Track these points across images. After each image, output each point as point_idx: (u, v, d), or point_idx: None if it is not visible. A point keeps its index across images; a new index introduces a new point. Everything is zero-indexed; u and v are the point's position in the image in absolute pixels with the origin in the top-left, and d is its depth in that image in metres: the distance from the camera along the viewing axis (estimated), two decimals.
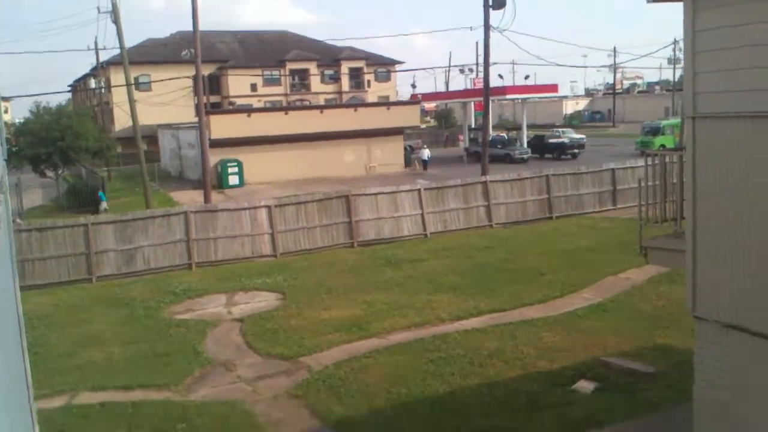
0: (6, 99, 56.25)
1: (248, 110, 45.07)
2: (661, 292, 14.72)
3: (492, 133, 45.52)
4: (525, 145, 47.90)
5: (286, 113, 42.72)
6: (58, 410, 10.32)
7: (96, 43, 47.36)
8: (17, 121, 50.33)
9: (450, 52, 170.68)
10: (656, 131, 45.13)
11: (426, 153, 44.53)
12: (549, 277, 16.71)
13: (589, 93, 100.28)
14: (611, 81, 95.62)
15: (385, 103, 52.28)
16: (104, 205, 31.63)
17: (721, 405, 6.48)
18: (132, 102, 30.52)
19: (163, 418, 9.98)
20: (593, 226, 23.17)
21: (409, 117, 45.65)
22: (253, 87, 63.43)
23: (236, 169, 38.64)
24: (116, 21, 30.37)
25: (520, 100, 55.45)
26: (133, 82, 33.09)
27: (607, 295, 14.94)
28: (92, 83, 65.17)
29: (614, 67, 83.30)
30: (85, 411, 10.41)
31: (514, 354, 11.70)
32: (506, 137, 50.71)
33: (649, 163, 10.79)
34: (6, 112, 74.15)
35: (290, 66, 65.16)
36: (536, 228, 23.44)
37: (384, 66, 71.23)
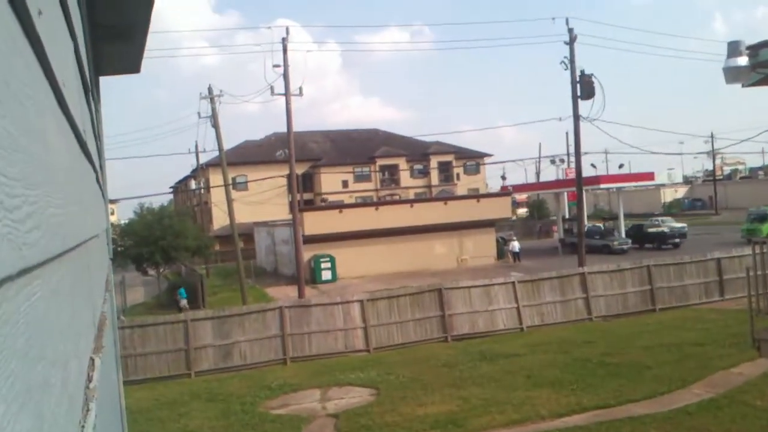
0: (113, 201, 60.05)
1: (340, 206, 46.32)
2: None
3: (587, 223, 44.83)
4: (623, 235, 46.73)
5: (377, 208, 43.60)
6: None
7: (196, 146, 50.46)
8: (122, 221, 53.48)
9: (540, 143, 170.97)
10: (763, 218, 43.21)
11: (516, 245, 43.99)
12: (655, 371, 15.91)
13: (687, 180, 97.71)
14: (710, 167, 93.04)
15: (474, 195, 52.61)
16: (184, 302, 32.44)
17: None
18: (229, 201, 32.03)
19: None
20: (700, 318, 22.08)
21: (500, 209, 45.65)
22: (345, 183, 65.31)
23: (329, 264, 39.35)
24: (215, 125, 32.40)
25: (615, 189, 54.55)
26: (230, 182, 34.82)
27: (720, 391, 14.04)
28: (192, 184, 68.85)
29: (713, 153, 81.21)
30: None
31: None
32: (602, 227, 49.77)
33: (758, 251, 10.39)
34: (113, 213, 78.99)
35: (380, 162, 66.92)
36: (638, 321, 22.55)
37: (473, 159, 72.08)
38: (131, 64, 3.90)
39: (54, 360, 1.13)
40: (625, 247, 43.43)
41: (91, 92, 3.06)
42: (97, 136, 3.44)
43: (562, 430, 12.51)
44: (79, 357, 1.61)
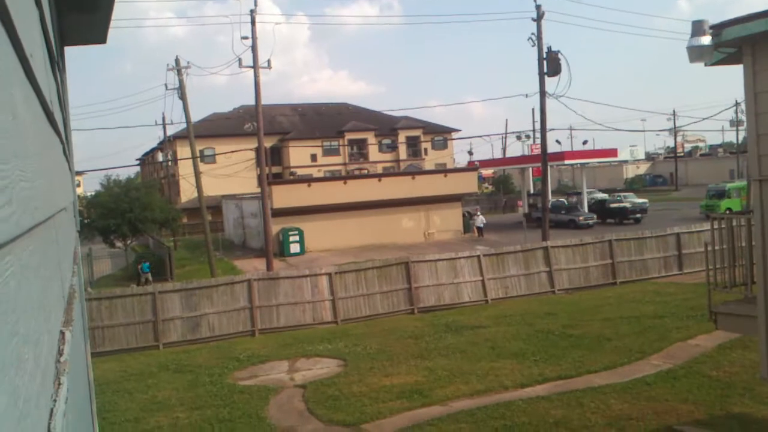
0: (79, 173, 58.97)
1: (308, 180, 46.11)
2: (733, 358, 14.17)
3: (551, 198, 45.30)
4: (586, 210, 47.42)
5: (345, 182, 43.50)
6: None
7: (164, 118, 49.57)
8: (89, 194, 52.56)
9: (506, 119, 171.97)
10: (721, 194, 44.17)
11: (481, 219, 44.27)
12: (615, 343, 16.30)
13: (649, 157, 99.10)
14: (672, 144, 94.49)
15: (442, 170, 52.75)
16: (147, 275, 32.22)
17: None
18: (197, 174, 31.69)
19: None
20: (659, 291, 22.58)
21: (467, 184, 45.89)
22: (313, 157, 65.01)
23: (297, 238, 39.27)
24: (182, 97, 31.87)
25: (579, 165, 55.16)
26: (198, 154, 34.40)
27: (677, 362, 14.45)
28: (159, 156, 67.89)
29: (674, 131, 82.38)
30: None
31: (581, 422, 11.36)
32: (566, 202, 50.36)
33: (716, 226, 10.62)
34: (79, 185, 77.62)
35: (349, 136, 66.68)
36: (600, 294, 23.00)
37: (441, 134, 72.16)
38: (97, 35, 3.82)
39: (26, 335, 1.13)
40: (590, 222, 44.15)
41: (57, 63, 3.00)
42: (63, 108, 3.38)
43: (524, 399, 12.77)
44: (50, 331, 1.60)
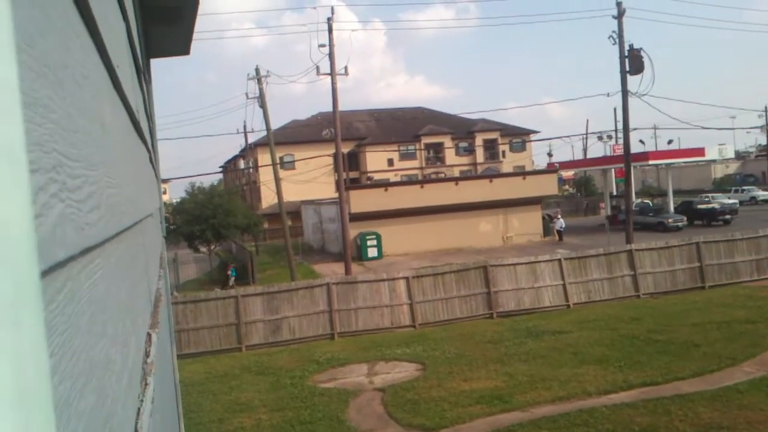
0: (165, 181, 61.16)
1: (385, 184, 46.30)
2: None
3: (635, 200, 43.99)
4: (672, 212, 45.75)
5: (422, 186, 43.46)
6: None
7: (245, 127, 51.08)
8: (174, 201, 54.41)
9: (587, 120, 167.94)
10: None
11: (560, 223, 43.25)
12: (704, 349, 15.65)
13: (739, 156, 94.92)
14: (764, 142, 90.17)
15: (520, 173, 52.00)
16: (232, 280, 32.98)
17: None
18: (277, 180, 32.35)
19: None
20: (750, 295, 21.57)
21: (546, 186, 45.07)
22: (390, 162, 65.27)
23: (375, 242, 39.49)
24: (263, 105, 32.63)
25: (664, 166, 53.32)
26: (278, 161, 35.12)
27: None
28: (241, 164, 69.66)
29: (767, 128, 78.55)
30: None
31: (668, 430, 10.96)
32: (651, 204, 48.77)
33: None
34: (165, 193, 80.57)
35: (425, 140, 66.64)
36: (687, 298, 22.14)
37: (519, 136, 71.24)
38: (181, 46, 3.95)
39: (114, 336, 1.16)
40: (680, 224, 41.99)
41: (143, 74, 3.11)
42: (149, 117, 3.50)
43: (608, 406, 12.42)
44: (137, 333, 1.65)
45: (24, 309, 0.45)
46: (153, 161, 3.59)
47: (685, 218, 43.29)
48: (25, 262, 0.47)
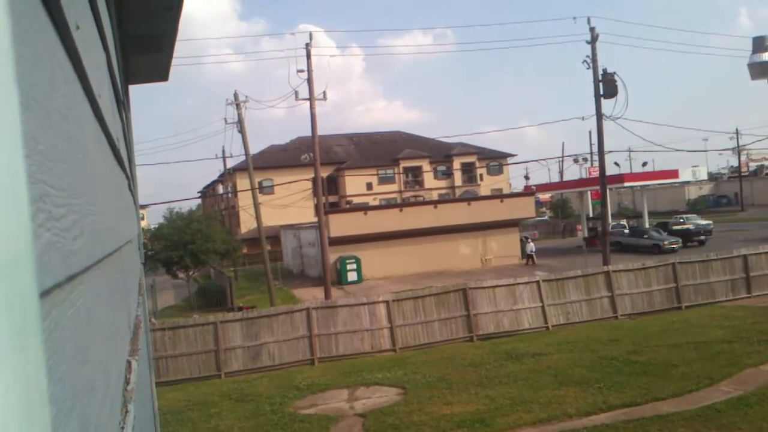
0: (143, 207, 60.63)
1: (365, 208, 46.37)
2: None
3: (611, 221, 44.36)
4: (666, 234, 44.84)
5: (401, 210, 43.60)
6: None
7: (223, 152, 50.86)
8: (153, 226, 53.95)
9: (563, 143, 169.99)
10: None
11: (531, 246, 43.17)
12: (682, 369, 15.76)
13: (712, 177, 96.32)
14: (735, 164, 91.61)
15: (498, 195, 52.37)
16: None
17: None
18: (256, 205, 32.30)
19: None
20: (727, 315, 21.80)
21: (524, 209, 45.44)
22: (369, 186, 65.45)
23: (354, 266, 39.47)
24: (241, 131, 32.67)
25: (639, 188, 53.98)
26: (257, 186, 35.06)
27: (749, 389, 13.87)
28: (220, 189, 69.41)
29: (738, 149, 79.96)
30: None
31: None
32: (627, 226, 49.27)
33: None
34: (143, 218, 79.88)
35: (403, 164, 66.98)
36: (664, 318, 22.33)
37: (496, 159, 71.83)
38: (160, 73, 3.97)
39: (97, 363, 1.17)
40: (675, 246, 41.40)
41: (122, 101, 3.12)
42: (128, 144, 3.51)
43: (589, 428, 12.44)
44: (118, 360, 1.65)
45: (29, 334, 0.47)
46: (132, 188, 3.60)
47: (680, 240, 42.86)
48: (29, 288, 0.49)
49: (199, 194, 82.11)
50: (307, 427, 14.29)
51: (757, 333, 17.74)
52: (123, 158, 2.72)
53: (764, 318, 18.61)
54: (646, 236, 43.71)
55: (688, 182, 66.01)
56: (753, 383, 14.22)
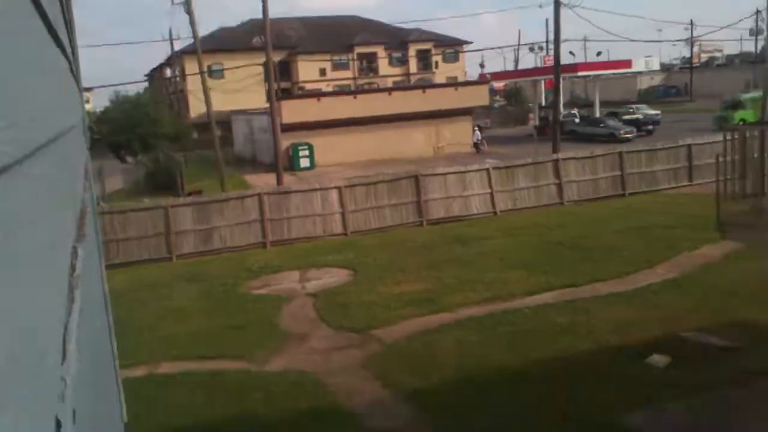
0: (88, 89, 58.43)
1: (318, 95, 45.66)
2: (740, 268, 14.32)
3: (563, 110, 44.63)
4: (621, 123, 44.89)
5: (355, 97, 43.05)
6: (141, 379, 10.90)
7: (170, 33, 49.13)
8: (98, 110, 52.34)
9: (519, 30, 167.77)
10: (736, 105, 43.16)
11: (477, 135, 43.72)
12: (622, 253, 16.47)
13: (665, 68, 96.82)
14: (689, 55, 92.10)
15: (453, 84, 52.00)
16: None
17: None
18: (206, 89, 31.38)
19: (240, 387, 10.43)
20: (668, 202, 22.62)
21: (478, 97, 45.32)
22: (323, 72, 64.10)
23: (307, 153, 39.28)
24: (189, 11, 31.21)
25: (591, 77, 54.07)
26: (206, 70, 33.96)
27: (683, 271, 14.65)
28: (168, 72, 67.09)
29: (691, 41, 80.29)
30: (166, 380, 10.98)
31: (586, 329, 11.66)
32: (578, 114, 49.72)
33: (728, 137, 10.57)
34: (88, 102, 77.13)
35: (358, 50, 65.52)
36: (609, 205, 23.06)
37: (452, 47, 70.74)
38: None
39: (39, 252, 1.20)
40: (630, 136, 41.58)
41: None
42: (68, 24, 3.36)
43: (531, 307, 13.07)
44: (63, 247, 1.68)
45: None
46: (74, 69, 3.48)
47: (635, 130, 43.12)
48: None
49: (146, 77, 79.30)
50: (260, 307, 14.68)
51: (695, 218, 18.45)
52: (62, 39, 2.62)
53: (702, 206, 19.26)
54: (601, 125, 43.86)
55: (640, 72, 66.36)
56: (687, 266, 15.01)
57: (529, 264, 16.19)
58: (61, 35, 2.58)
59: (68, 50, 3.09)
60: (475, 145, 42.92)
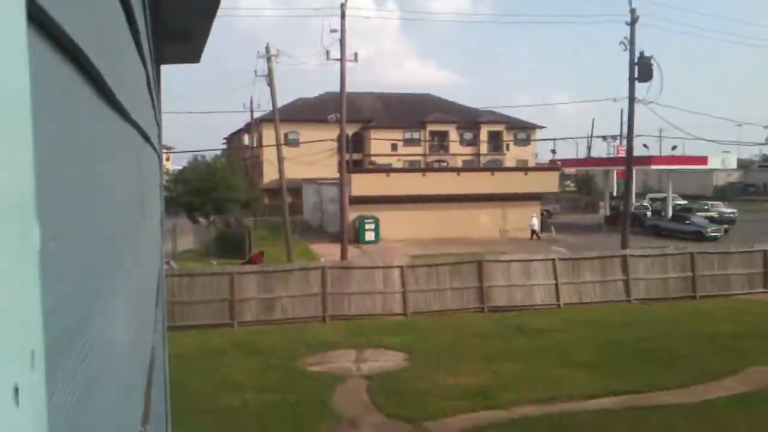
0: (168, 149, 60.95)
1: (387, 170, 46.37)
2: None
3: (634, 202, 43.88)
4: (708, 222, 42.74)
5: (424, 174, 43.57)
6: None
7: (251, 102, 50.90)
8: (175, 168, 54.37)
9: (593, 119, 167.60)
10: None
11: (534, 222, 42.33)
12: (689, 360, 15.84)
13: (742, 165, 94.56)
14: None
15: (523, 168, 52.12)
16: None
17: None
18: (280, 157, 32.39)
19: None
20: (740, 309, 21.72)
21: (548, 183, 45.18)
22: (394, 147, 65.13)
23: (373, 226, 39.68)
24: (270, 84, 32.60)
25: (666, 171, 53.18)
26: (282, 139, 35.12)
27: (753, 387, 13.94)
28: (246, 139, 69.55)
29: None
30: None
31: None
32: (649, 207, 48.83)
33: None
34: (167, 159, 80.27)
35: (430, 127, 66.51)
36: (678, 307, 22.31)
37: (524, 130, 71.12)
38: (191, 57, 4.06)
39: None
40: (718, 234, 39.45)
41: (153, 82, 3.21)
42: (158, 123, 3.61)
43: (589, 411, 12.63)
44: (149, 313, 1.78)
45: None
46: (160, 137, 3.70)
47: (724, 228, 41.01)
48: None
49: (225, 141, 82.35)
50: (314, 385, 14.63)
51: None
52: (157, 114, 2.82)
53: None
54: (687, 222, 41.37)
55: (716, 169, 64.95)
56: (760, 382, 14.27)
57: (590, 364, 15.73)
58: (155, 107, 2.78)
59: (159, 118, 3.31)
60: (533, 232, 42.12)
